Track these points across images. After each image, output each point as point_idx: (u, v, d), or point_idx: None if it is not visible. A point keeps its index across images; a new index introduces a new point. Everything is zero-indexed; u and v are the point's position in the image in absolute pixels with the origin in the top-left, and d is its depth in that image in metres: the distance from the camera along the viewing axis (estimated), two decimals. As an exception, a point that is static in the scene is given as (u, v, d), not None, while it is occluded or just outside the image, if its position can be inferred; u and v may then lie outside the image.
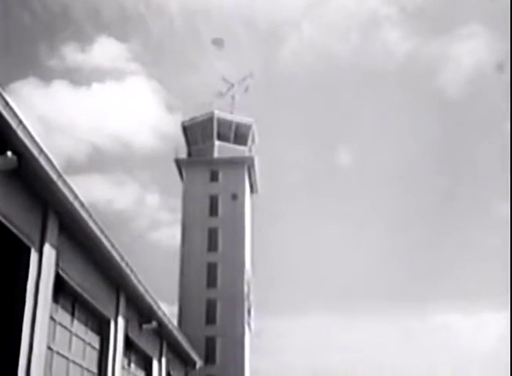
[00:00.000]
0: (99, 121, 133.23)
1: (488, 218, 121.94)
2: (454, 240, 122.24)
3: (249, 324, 67.00)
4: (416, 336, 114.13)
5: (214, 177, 70.30)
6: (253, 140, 73.87)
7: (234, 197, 69.48)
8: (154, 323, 27.36)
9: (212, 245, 67.67)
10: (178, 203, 70.89)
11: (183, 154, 72.53)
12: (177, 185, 72.11)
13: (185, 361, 37.94)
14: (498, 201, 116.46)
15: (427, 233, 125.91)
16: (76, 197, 17.15)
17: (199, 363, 39.86)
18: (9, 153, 13.86)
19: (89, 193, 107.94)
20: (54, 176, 15.78)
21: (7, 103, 13.35)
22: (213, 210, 69.17)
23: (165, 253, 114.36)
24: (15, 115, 13.62)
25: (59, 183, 16.13)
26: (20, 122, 13.80)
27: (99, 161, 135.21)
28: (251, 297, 68.46)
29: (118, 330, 23.90)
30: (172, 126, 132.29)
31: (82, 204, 17.62)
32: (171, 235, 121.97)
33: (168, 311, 34.83)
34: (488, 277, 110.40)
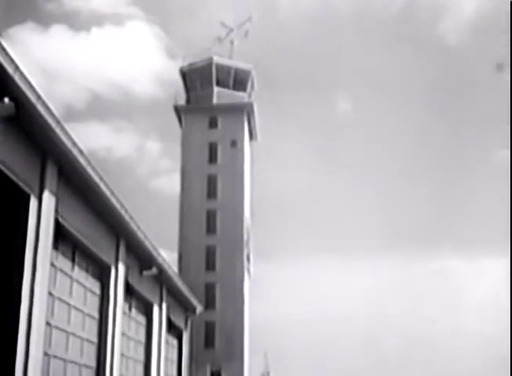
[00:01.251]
0: (98, 66, 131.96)
1: (488, 165, 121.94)
2: (454, 186, 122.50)
3: (248, 270, 67.62)
4: (415, 282, 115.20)
5: (213, 124, 69.97)
6: (252, 86, 73.24)
7: (233, 143, 69.29)
8: (154, 270, 27.54)
9: (211, 192, 67.82)
10: (178, 150, 70.73)
11: (182, 101, 72.08)
12: (178, 132, 71.80)
13: (186, 307, 38.36)
14: (499, 147, 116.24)
15: (427, 180, 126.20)
16: (74, 144, 17.04)
17: (199, 309, 40.33)
18: (7, 100, 13.71)
19: (89, 140, 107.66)
20: (52, 123, 15.64)
21: (3, 48, 13.13)
22: (212, 157, 69.08)
23: (166, 200, 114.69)
24: (11, 61, 13.42)
25: (58, 130, 16.01)
26: (17, 68, 13.60)
27: (98, 108, 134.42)
28: (250, 243, 68.95)
29: (118, 276, 24.07)
30: (173, 72, 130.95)
31: (81, 151, 17.53)
32: (171, 182, 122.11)
33: (168, 258, 35.08)
34: (487, 224, 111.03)
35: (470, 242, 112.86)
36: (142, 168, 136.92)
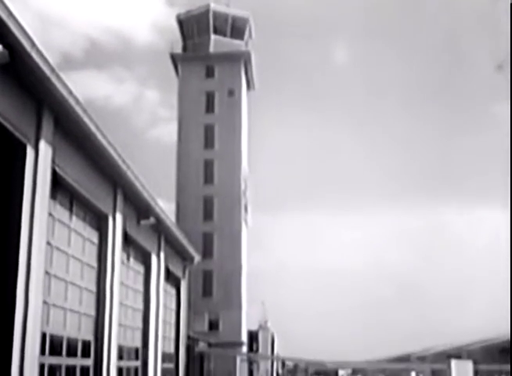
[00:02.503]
0: (96, 14, 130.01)
1: (487, 118, 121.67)
2: (453, 137, 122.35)
3: (246, 220, 67.88)
4: (413, 233, 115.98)
5: (210, 72, 69.34)
6: (250, 35, 72.37)
7: (231, 93, 68.79)
8: (152, 219, 27.58)
9: (209, 142, 67.62)
10: (176, 99, 70.14)
11: (180, 49, 71.24)
12: (176, 81, 71.05)
13: (183, 256, 38.57)
14: (497, 101, 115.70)
15: (425, 132, 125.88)
16: (70, 92, 16.81)
17: (196, 258, 40.56)
18: (0, 47, 13.43)
19: (87, 89, 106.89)
20: (47, 71, 15.38)
21: (-4, -6, 12.83)
22: (209, 106, 68.66)
23: (163, 150, 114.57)
24: (5, 6, 13.11)
25: (53, 79, 15.75)
26: (11, 14, 13.30)
27: (96, 56, 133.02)
28: (248, 193, 69.03)
29: (116, 225, 24.09)
30: (171, 20, 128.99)
31: (77, 100, 17.30)
32: (169, 132, 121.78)
33: (166, 208, 35.08)
34: (484, 175, 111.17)
35: (467, 193, 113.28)
36: (140, 117, 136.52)
